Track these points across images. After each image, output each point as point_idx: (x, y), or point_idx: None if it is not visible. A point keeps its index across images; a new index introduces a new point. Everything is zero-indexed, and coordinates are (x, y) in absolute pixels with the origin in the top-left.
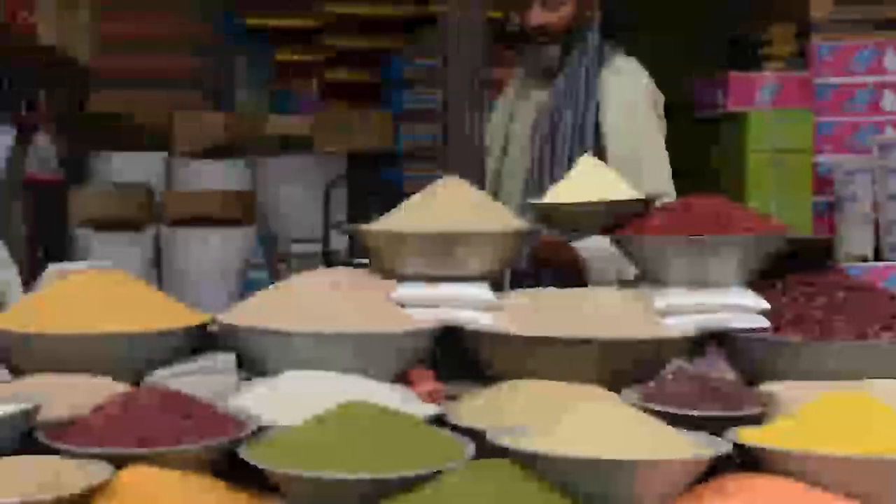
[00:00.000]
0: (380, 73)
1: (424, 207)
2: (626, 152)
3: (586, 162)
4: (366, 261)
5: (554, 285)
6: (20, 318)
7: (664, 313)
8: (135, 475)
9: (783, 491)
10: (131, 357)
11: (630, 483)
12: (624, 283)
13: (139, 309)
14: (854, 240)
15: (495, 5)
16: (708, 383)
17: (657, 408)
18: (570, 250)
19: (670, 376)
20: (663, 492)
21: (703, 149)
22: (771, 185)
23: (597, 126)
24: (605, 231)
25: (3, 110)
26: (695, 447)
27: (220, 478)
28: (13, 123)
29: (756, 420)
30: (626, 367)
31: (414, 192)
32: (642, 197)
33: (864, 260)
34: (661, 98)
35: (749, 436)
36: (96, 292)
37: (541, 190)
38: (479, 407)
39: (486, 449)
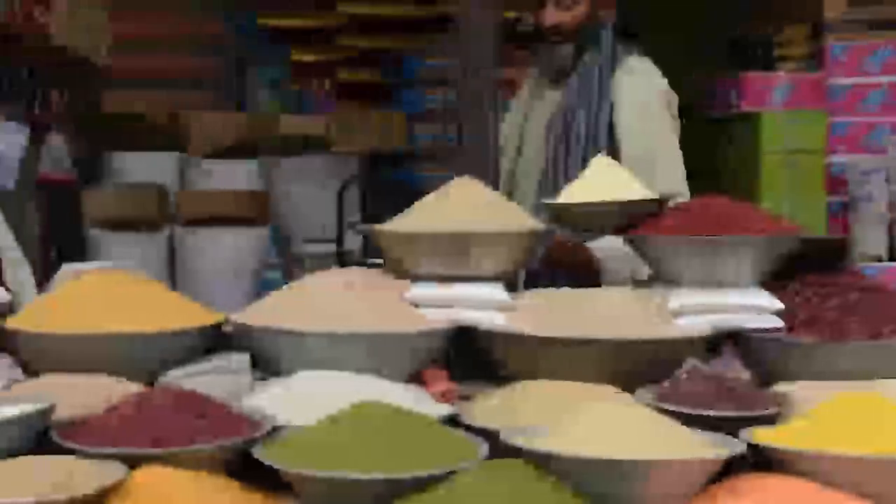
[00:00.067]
0: (393, 73)
1: (438, 207)
2: (639, 152)
3: (600, 162)
4: (379, 261)
5: (568, 286)
6: (34, 318)
7: (678, 313)
8: (149, 475)
9: (796, 491)
10: (145, 357)
11: (644, 483)
12: (638, 284)
13: (153, 309)
14: (869, 240)
15: (508, 5)
16: (722, 383)
17: (671, 408)
18: (585, 250)
19: (684, 376)
20: (677, 492)
21: (715, 149)
22: (784, 185)
23: (611, 126)
24: (618, 231)
25: (17, 110)
26: (709, 447)
27: (234, 478)
28: (26, 123)
29: (770, 420)
30: (639, 367)
31: (427, 193)
32: (656, 197)
33: (879, 260)
34: (675, 98)
35: (763, 436)
36: (110, 292)
37: (555, 190)
38: (492, 407)
39: (499, 449)
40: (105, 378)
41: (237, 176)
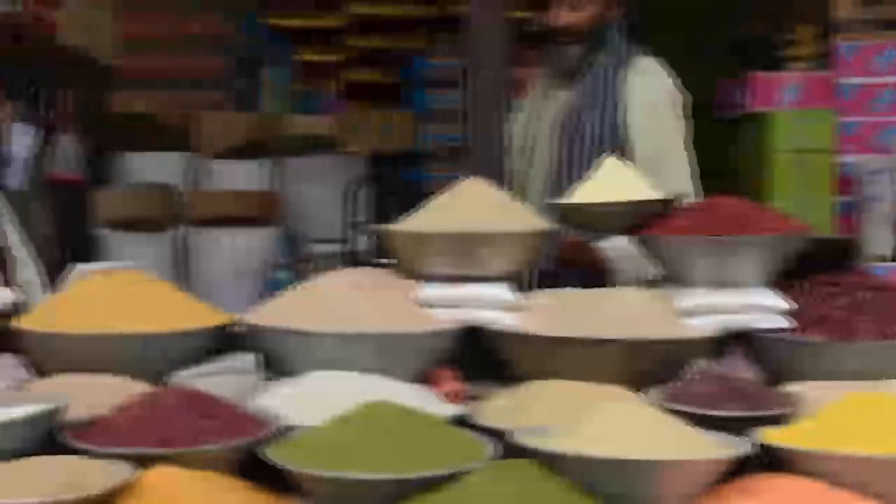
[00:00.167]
0: (402, 73)
1: (447, 208)
2: (648, 152)
3: (609, 162)
4: (388, 261)
5: (579, 286)
6: (43, 318)
7: (687, 313)
8: (157, 475)
9: (805, 491)
10: (154, 357)
11: (654, 483)
12: (647, 284)
13: (162, 309)
14: (878, 240)
15: (517, 5)
16: (731, 383)
17: (681, 408)
18: (595, 251)
19: (694, 376)
20: (687, 492)
21: (724, 149)
22: (793, 185)
23: (619, 126)
24: (627, 231)
25: (26, 110)
26: (718, 447)
27: (243, 478)
28: (35, 124)
29: (779, 420)
30: (649, 367)
31: (435, 193)
32: (664, 197)
33: (890, 259)
34: (681, 98)
35: (772, 436)
36: (119, 292)
37: (563, 190)
38: (502, 407)
39: (509, 449)
40: (114, 378)
41: (246, 176)
